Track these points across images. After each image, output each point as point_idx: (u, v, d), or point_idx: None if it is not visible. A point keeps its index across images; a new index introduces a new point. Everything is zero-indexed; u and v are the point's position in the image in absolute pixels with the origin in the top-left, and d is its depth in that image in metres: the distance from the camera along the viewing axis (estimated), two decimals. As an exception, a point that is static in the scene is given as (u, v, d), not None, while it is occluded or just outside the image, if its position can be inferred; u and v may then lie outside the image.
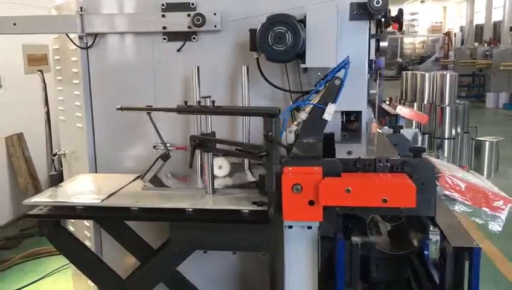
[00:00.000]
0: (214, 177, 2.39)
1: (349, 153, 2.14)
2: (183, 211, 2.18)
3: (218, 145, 2.36)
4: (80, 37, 2.88)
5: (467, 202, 3.05)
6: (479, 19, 25.99)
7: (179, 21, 2.75)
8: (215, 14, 2.73)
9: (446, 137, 8.79)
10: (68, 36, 2.91)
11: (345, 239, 2.01)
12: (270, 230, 2.10)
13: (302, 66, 2.46)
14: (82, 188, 2.52)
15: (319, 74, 2.44)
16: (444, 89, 8.86)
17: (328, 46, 2.40)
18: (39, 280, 4.46)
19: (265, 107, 2.19)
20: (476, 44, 21.79)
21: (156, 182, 2.59)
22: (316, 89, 2.43)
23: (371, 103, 3.37)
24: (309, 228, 2.08)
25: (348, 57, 2.48)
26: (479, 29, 25.68)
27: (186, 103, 2.21)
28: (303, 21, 2.41)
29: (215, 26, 2.75)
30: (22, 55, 5.94)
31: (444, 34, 30.09)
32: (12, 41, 5.53)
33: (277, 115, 2.03)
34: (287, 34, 2.35)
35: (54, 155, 3.36)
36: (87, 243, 3.17)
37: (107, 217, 2.27)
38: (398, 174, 1.95)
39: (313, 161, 2.02)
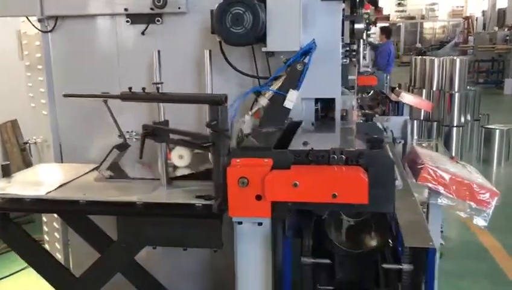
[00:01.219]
0: (167, 167, 2.26)
1: (304, 143, 1.97)
2: (132, 205, 2.05)
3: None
4: (41, 20, 2.75)
5: (451, 195, 2.88)
6: (502, 3, 25.19)
7: (141, 2, 2.60)
8: (177, -5, 2.58)
9: (455, 125, 8.50)
10: (28, 19, 2.79)
11: (295, 237, 1.86)
12: (220, 226, 1.96)
13: (264, 49, 2.29)
14: (34, 179, 2.41)
15: (281, 57, 2.27)
16: (454, 74, 8.56)
17: (291, 29, 2.23)
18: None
19: (212, 94, 2.02)
20: (496, 28, 21.16)
21: (116, 171, 2.47)
22: (275, 75, 2.28)
23: (353, 89, 3.20)
24: (259, 224, 1.92)
25: (313, 40, 2.31)
26: (502, 13, 24.90)
27: (130, 89, 2.06)
28: (264, 1, 2.24)
29: (179, 8, 2.60)
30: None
31: (463, 18, 29.32)
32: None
33: (223, 103, 1.87)
34: (245, 15, 2.18)
35: (25, 143, 3.27)
36: (56, 234, 3.08)
37: (51, 211, 2.15)
38: (352, 167, 1.78)
39: (263, 153, 1.86)
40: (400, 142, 3.72)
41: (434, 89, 8.87)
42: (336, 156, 1.82)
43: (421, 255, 1.70)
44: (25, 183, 2.32)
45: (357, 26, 2.61)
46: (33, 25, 2.78)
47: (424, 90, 9.05)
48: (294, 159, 1.84)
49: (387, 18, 17.44)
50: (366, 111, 2.91)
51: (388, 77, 8.57)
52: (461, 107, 8.50)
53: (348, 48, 2.88)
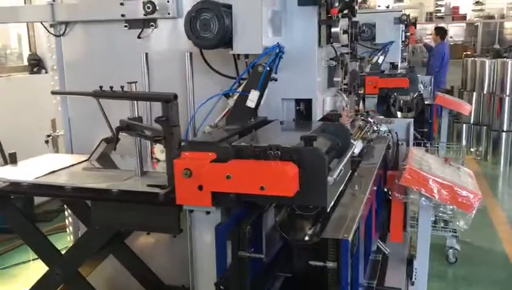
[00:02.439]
0: (141, 159, 2.48)
1: (251, 140, 2.12)
2: (106, 191, 2.28)
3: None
4: (53, 26, 3.08)
5: (433, 197, 2.91)
6: None
7: (135, 8, 2.85)
8: (168, 1, 2.80)
9: (504, 130, 8.18)
10: (43, 25, 3.12)
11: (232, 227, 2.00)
12: (177, 213, 2.15)
13: (230, 52, 2.46)
14: (34, 167, 2.70)
15: (246, 60, 2.43)
16: (505, 78, 8.24)
17: (253, 33, 2.38)
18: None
19: (163, 93, 2.21)
20: None
21: (106, 162, 2.73)
22: (239, 77, 2.44)
23: (342, 90, 3.27)
24: (207, 213, 2.10)
25: (277, 43, 2.46)
26: None
27: (101, 87, 2.30)
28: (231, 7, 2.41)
29: (168, 14, 2.82)
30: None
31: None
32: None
33: (172, 101, 2.06)
34: (212, 21, 2.36)
35: (48, 136, 3.62)
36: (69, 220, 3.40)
37: (33, 194, 2.43)
38: (284, 162, 1.91)
39: (208, 147, 2.03)
40: (401, 143, 3.75)
41: (485, 92, 8.58)
42: (272, 152, 1.96)
43: (337, 247, 1.79)
44: (24, 170, 2.63)
45: (333, 29, 2.70)
46: (47, 30, 3.10)
47: (474, 93, 8.78)
48: (235, 153, 2.00)
49: (463, 17, 16.76)
50: (332, 112, 2.97)
51: (432, 80, 8.42)
52: (512, 111, 8.18)
53: (338, 52, 2.97)
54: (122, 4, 2.87)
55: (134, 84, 2.40)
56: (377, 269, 2.81)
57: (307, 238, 2.08)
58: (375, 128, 3.82)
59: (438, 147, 4.95)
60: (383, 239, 3.39)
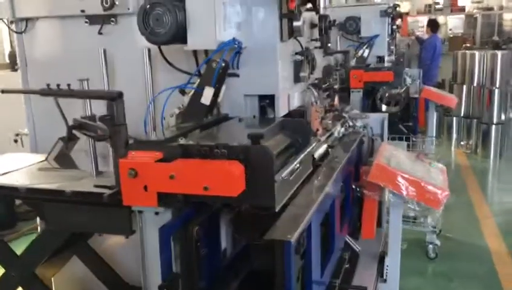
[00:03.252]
0: (96, 159, 2.43)
1: (201, 138, 2.07)
2: (56, 192, 2.23)
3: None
4: (13, 22, 3.01)
5: (400, 193, 2.86)
6: None
7: (94, 4, 2.78)
8: (125, -4, 2.73)
9: (494, 122, 8.11)
10: (3, 21, 3.06)
11: (178, 228, 1.95)
12: (128, 214, 2.10)
13: (185, 48, 2.40)
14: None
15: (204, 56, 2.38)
16: (495, 70, 8.16)
17: (207, 27, 2.31)
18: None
19: (108, 90, 2.16)
20: None
21: (64, 162, 2.67)
22: (194, 72, 2.38)
23: (313, 85, 3.21)
24: (156, 213, 2.04)
25: (233, 38, 2.40)
26: None
27: (48, 85, 2.24)
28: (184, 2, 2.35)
29: (128, 9, 2.75)
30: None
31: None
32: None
33: (117, 99, 2.00)
34: (164, 16, 2.30)
35: (17, 135, 3.57)
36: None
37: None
38: (229, 161, 1.85)
39: (155, 146, 1.98)
40: (376, 139, 3.69)
41: (475, 84, 8.51)
42: (218, 151, 1.90)
43: (281, 248, 1.74)
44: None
45: (295, 23, 2.64)
46: (8, 27, 3.04)
47: (464, 86, 8.71)
48: (181, 153, 1.94)
49: (462, 9, 16.61)
50: (300, 107, 2.92)
51: (421, 73, 8.34)
52: (501, 103, 8.09)
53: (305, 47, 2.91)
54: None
55: (86, 81, 2.34)
56: (341, 267, 2.74)
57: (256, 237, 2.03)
58: (350, 123, 3.77)
59: (416, 141, 4.86)
60: (357, 236, 3.33)
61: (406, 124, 6.26)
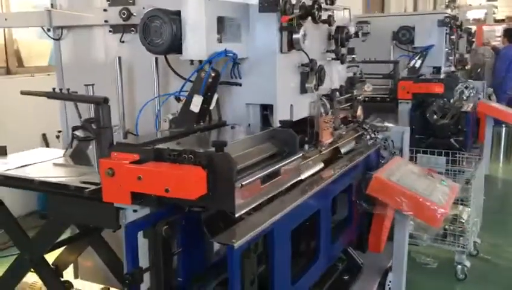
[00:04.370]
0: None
1: (177, 143, 2.21)
2: (64, 186, 2.46)
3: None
4: (50, 30, 3.33)
5: (397, 207, 2.84)
6: None
7: (115, 15, 3.01)
8: (144, 8, 2.93)
9: None
10: (43, 29, 3.38)
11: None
12: (112, 209, 2.28)
13: (180, 58, 2.55)
14: (19, 160, 2.94)
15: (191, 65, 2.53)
16: None
17: (199, 39, 2.45)
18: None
19: (94, 95, 2.34)
20: None
21: (79, 159, 2.92)
22: (186, 81, 2.53)
23: (326, 96, 3.23)
24: (134, 211, 2.21)
25: (225, 50, 2.52)
26: None
27: (54, 89, 2.49)
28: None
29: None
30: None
31: None
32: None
33: (102, 103, 2.19)
34: (162, 28, 2.47)
35: (59, 132, 3.91)
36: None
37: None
38: (192, 166, 1.97)
39: (133, 148, 2.15)
40: (394, 152, 3.64)
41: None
42: (186, 156, 2.03)
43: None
44: (6, 162, 2.89)
45: (294, 36, 2.70)
46: (47, 34, 3.36)
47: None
48: (154, 156, 2.10)
49: None
50: (310, 117, 2.97)
51: (484, 85, 7.95)
52: None
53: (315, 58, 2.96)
54: (105, 10, 3.05)
55: (91, 86, 2.56)
56: (331, 277, 2.77)
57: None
58: (372, 135, 3.75)
59: (461, 156, 4.68)
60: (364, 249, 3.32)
61: (456, 138, 6.02)
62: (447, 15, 6.42)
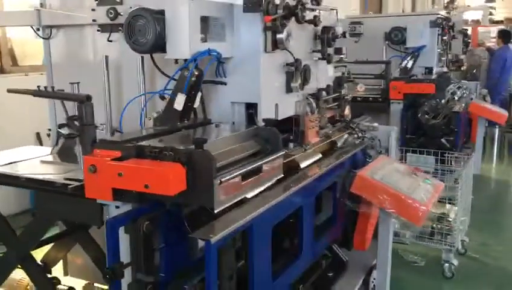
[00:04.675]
0: (84, 154, 2.67)
1: (160, 141, 2.24)
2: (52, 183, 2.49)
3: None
4: (40, 29, 3.37)
5: (382, 206, 2.87)
6: None
7: (103, 14, 3.05)
8: (131, 7, 2.97)
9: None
10: (33, 28, 3.41)
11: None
12: (99, 207, 2.31)
13: (165, 57, 2.58)
14: (7, 157, 2.98)
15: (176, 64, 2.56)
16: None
17: (182, 39, 2.48)
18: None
19: (77, 93, 2.38)
20: None
21: (66, 156, 2.96)
22: (169, 80, 2.57)
23: (312, 96, 3.27)
24: (117, 207, 2.24)
25: (208, 49, 2.55)
26: None
27: (38, 87, 2.52)
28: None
29: (131, 19, 2.99)
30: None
31: None
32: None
33: (85, 101, 2.23)
34: (146, 27, 2.50)
35: (49, 130, 3.95)
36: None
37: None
38: (172, 163, 2.01)
39: (115, 146, 2.18)
40: (380, 151, 3.68)
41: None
42: (166, 153, 2.07)
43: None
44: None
45: (278, 36, 2.74)
46: (36, 33, 3.40)
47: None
48: (135, 153, 2.13)
49: None
50: (295, 116, 3.00)
51: (477, 86, 7.99)
52: None
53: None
54: (93, 10, 3.08)
55: (76, 84, 2.60)
56: (315, 273, 2.80)
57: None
58: (360, 134, 3.78)
59: (449, 156, 4.72)
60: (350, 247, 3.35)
61: (447, 138, 6.07)
62: (439, 16, 6.46)
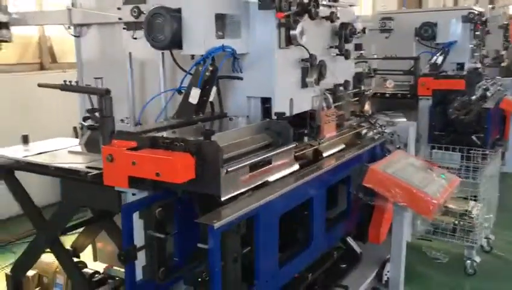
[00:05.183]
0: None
1: (173, 132, 2.37)
2: (75, 172, 2.67)
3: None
4: (70, 27, 3.56)
5: (394, 199, 2.91)
6: None
7: (128, 13, 3.21)
8: (153, 6, 3.11)
9: None
10: (64, 27, 3.61)
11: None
12: (116, 194, 2.47)
13: (182, 53, 2.71)
14: (38, 147, 3.18)
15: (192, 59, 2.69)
16: None
17: (197, 35, 2.61)
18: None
19: (97, 87, 2.53)
20: None
21: (92, 147, 3.13)
22: (185, 75, 2.69)
23: (329, 91, 3.33)
24: (133, 194, 2.38)
25: (222, 45, 2.66)
26: None
27: (65, 82, 2.70)
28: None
29: (154, 17, 3.14)
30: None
31: None
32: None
33: (104, 94, 2.38)
34: (164, 25, 2.64)
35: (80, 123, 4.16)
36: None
37: (16, 168, 2.89)
38: (181, 153, 2.13)
39: (131, 136, 2.32)
40: (398, 147, 3.70)
41: None
42: (177, 144, 2.20)
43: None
44: (27, 149, 3.13)
45: (291, 32, 2.82)
46: (67, 31, 3.60)
47: None
48: (150, 143, 2.27)
49: None
50: (311, 111, 3.08)
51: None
52: None
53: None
54: (119, 9, 3.25)
55: (100, 79, 2.76)
56: (325, 263, 2.88)
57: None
58: (379, 129, 3.82)
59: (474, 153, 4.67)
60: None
61: (478, 135, 5.97)
62: (471, 11, 6.36)
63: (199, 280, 2.01)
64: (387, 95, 6.24)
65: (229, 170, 2.14)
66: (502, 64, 9.81)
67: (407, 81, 6.27)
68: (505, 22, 9.89)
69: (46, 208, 3.43)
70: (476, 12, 6.53)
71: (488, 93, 6.37)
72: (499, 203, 5.01)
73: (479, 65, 7.03)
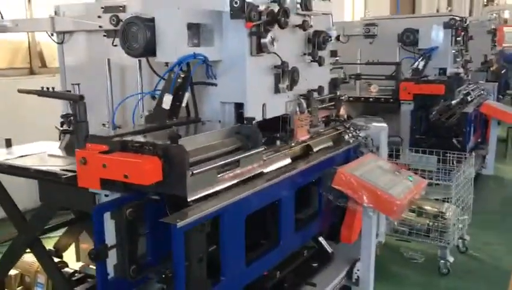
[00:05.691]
0: (84, 149, 2.95)
1: (144, 136, 2.49)
2: (52, 174, 2.78)
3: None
4: (54, 34, 3.68)
5: (359, 200, 3.03)
6: None
7: (108, 21, 3.33)
8: (131, 15, 3.23)
9: None
10: (48, 34, 3.73)
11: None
12: (88, 194, 2.57)
13: (155, 60, 2.83)
14: (20, 151, 3.29)
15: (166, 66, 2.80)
16: None
17: (169, 43, 2.72)
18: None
19: (72, 93, 2.65)
20: None
21: (72, 150, 3.23)
22: (159, 80, 2.81)
23: (303, 96, 3.45)
24: (106, 195, 2.50)
25: (193, 53, 2.78)
26: None
27: (42, 88, 2.81)
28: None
29: (132, 26, 3.25)
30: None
31: None
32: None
33: (78, 100, 2.49)
34: (138, 33, 2.76)
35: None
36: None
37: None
38: (148, 156, 2.25)
39: (103, 140, 2.44)
40: (371, 150, 3.82)
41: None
42: (146, 147, 2.31)
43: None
44: (9, 153, 3.24)
45: (262, 40, 2.94)
46: (51, 38, 3.71)
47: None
48: (120, 147, 2.38)
49: None
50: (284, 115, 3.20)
51: (495, 87, 7.95)
52: None
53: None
54: (99, 17, 3.37)
55: (77, 85, 2.87)
56: (295, 262, 3.00)
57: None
58: (354, 133, 3.94)
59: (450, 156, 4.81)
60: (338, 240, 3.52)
61: (458, 139, 6.12)
62: (452, 17, 6.51)
63: (163, 276, 2.12)
64: (371, 99, 6.39)
65: (194, 172, 2.26)
66: (492, 69, 10.00)
67: (390, 86, 6.42)
68: (493, 27, 10.08)
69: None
70: (458, 18, 6.68)
71: (469, 98, 6.53)
72: (478, 205, 5.14)
73: (461, 70, 7.17)
